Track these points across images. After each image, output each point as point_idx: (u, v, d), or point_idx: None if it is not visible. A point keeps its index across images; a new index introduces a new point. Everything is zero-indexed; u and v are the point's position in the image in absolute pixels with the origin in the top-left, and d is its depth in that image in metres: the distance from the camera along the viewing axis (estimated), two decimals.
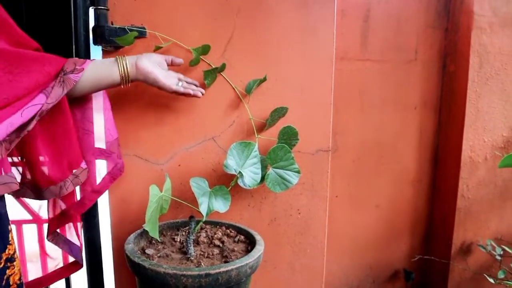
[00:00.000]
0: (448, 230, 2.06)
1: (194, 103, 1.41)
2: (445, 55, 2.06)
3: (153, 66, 1.16)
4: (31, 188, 1.14)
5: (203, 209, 1.11)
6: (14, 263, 0.93)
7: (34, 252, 1.51)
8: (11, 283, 0.92)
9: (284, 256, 1.57)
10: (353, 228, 2.11)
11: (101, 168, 1.29)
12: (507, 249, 1.87)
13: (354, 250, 2.14)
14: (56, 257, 1.47)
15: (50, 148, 1.10)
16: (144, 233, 1.28)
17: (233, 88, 1.43)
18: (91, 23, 1.33)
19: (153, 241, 1.27)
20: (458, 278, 2.08)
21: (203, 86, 1.39)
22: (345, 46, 1.92)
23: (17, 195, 1.17)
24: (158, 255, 1.18)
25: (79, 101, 1.19)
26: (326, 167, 1.54)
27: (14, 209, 1.34)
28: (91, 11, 1.32)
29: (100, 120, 1.25)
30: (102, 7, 1.30)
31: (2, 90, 0.89)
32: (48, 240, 1.28)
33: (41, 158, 1.10)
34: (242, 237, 1.30)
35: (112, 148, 1.28)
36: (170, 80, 1.20)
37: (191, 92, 1.24)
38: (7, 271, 0.91)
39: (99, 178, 1.29)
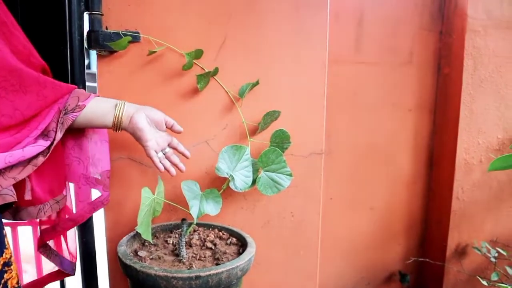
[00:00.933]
0: (443, 232, 2.07)
1: (187, 107, 1.43)
2: (440, 58, 2.07)
3: (146, 124, 1.13)
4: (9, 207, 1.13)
5: (193, 211, 1.12)
6: (12, 267, 0.94)
7: (30, 254, 1.52)
8: (9, 287, 0.93)
9: (277, 258, 1.58)
10: (348, 230, 2.12)
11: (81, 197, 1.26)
12: (501, 251, 1.88)
13: (349, 252, 2.14)
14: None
15: (35, 172, 1.06)
16: (137, 235, 1.29)
17: (226, 92, 1.44)
18: (86, 27, 1.35)
19: (146, 243, 1.28)
20: (453, 280, 2.08)
21: (196, 90, 1.41)
22: (339, 49, 1.93)
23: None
24: (151, 257, 1.19)
25: (74, 129, 1.17)
26: (320, 170, 1.55)
27: None
28: (86, 16, 1.34)
29: (93, 150, 1.23)
30: (97, 12, 1.32)
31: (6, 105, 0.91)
32: (40, 252, 1.28)
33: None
34: (234, 239, 1.31)
35: (100, 179, 1.24)
36: (153, 144, 1.16)
37: (162, 168, 1.19)
38: (5, 275, 0.91)
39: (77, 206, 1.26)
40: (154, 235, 1.34)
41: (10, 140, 0.93)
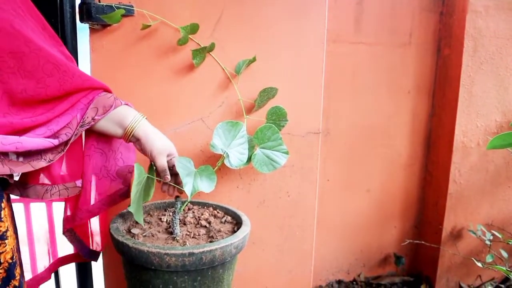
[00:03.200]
0: (439, 215, 2.07)
1: (183, 83, 1.40)
2: (440, 39, 2.04)
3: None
4: (18, 183, 1.12)
5: (187, 189, 1.09)
6: (6, 241, 0.92)
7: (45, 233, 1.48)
8: (2, 260, 0.91)
9: (273, 238, 1.57)
10: (344, 212, 2.11)
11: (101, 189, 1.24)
12: (497, 234, 1.87)
13: (345, 234, 2.14)
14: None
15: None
16: (131, 213, 1.27)
17: (222, 69, 1.41)
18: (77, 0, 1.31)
19: None
20: (448, 262, 2.08)
21: (192, 66, 1.38)
22: (338, 29, 1.90)
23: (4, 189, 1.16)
24: (144, 234, 1.17)
25: None
26: (316, 150, 1.53)
27: None
28: None
29: (119, 144, 1.21)
30: None
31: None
32: (65, 236, 1.28)
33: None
34: (229, 218, 1.30)
35: (120, 173, 1.23)
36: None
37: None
38: None
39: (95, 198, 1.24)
40: (147, 213, 1.32)
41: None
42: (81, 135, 1.13)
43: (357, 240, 2.16)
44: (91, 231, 1.34)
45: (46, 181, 1.11)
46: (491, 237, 1.89)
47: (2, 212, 0.92)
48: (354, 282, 2.19)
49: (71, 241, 1.29)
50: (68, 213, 1.24)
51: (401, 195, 2.18)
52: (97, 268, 1.54)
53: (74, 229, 1.29)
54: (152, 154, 1.09)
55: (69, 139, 1.00)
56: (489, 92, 1.94)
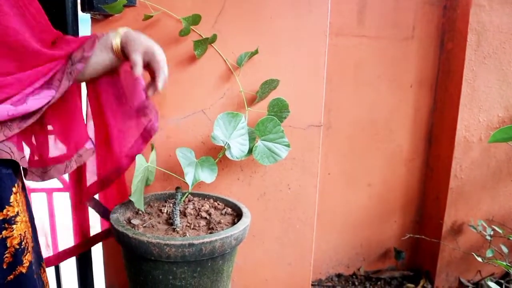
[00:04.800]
0: (440, 210, 2.06)
1: (184, 75, 1.39)
2: (443, 33, 2.03)
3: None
4: (37, 169, 1.12)
5: (188, 179, 1.09)
6: (14, 226, 0.92)
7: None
8: (8, 245, 0.91)
9: (273, 231, 1.57)
10: (345, 206, 2.11)
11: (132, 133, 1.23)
12: (497, 229, 1.87)
13: (345, 228, 2.14)
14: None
15: (59, 127, 1.09)
16: (131, 203, 1.27)
17: (224, 60, 1.40)
18: None
19: (140, 212, 1.26)
20: (448, 257, 2.08)
21: (193, 58, 1.37)
22: (341, 22, 1.89)
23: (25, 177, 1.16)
24: (144, 225, 1.17)
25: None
26: (318, 143, 1.52)
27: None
28: None
29: (126, 83, 1.18)
30: None
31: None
32: (90, 206, 1.29)
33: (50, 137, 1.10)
34: (230, 209, 1.30)
35: (140, 110, 1.20)
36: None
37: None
38: (3, 232, 0.89)
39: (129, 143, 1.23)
40: (148, 204, 1.32)
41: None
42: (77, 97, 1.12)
43: (358, 234, 2.16)
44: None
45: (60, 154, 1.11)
46: (492, 232, 1.89)
47: (12, 196, 0.93)
48: (354, 276, 2.19)
49: (98, 211, 1.30)
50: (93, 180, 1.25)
51: (402, 189, 2.17)
52: (97, 258, 1.55)
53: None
54: (129, 52, 1.05)
55: (61, 83, 0.98)
56: (492, 87, 1.93)
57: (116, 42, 1.04)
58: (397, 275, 2.19)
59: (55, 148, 1.11)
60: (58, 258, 1.36)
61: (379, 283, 2.14)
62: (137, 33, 1.06)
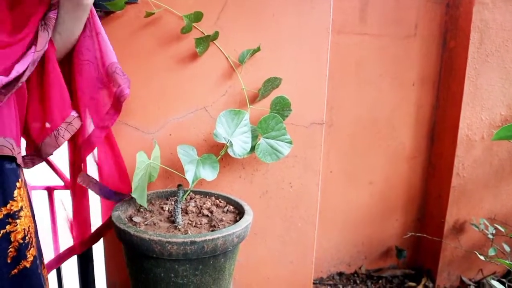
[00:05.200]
0: (442, 208, 2.06)
1: (186, 72, 1.39)
2: (446, 31, 2.02)
3: None
4: (34, 152, 1.13)
5: (189, 176, 1.09)
6: (17, 221, 0.93)
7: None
8: (12, 239, 0.92)
9: (275, 229, 1.57)
10: (346, 204, 2.10)
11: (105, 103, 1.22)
12: (500, 227, 1.87)
13: (346, 226, 2.14)
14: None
15: (40, 99, 1.09)
16: (132, 201, 1.26)
17: (226, 57, 1.40)
18: None
19: (141, 210, 1.26)
20: (449, 256, 2.08)
21: (195, 55, 1.37)
22: (343, 20, 1.88)
23: (27, 165, 1.16)
24: (145, 223, 1.17)
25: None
26: (320, 140, 1.52)
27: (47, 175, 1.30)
28: None
29: (96, 45, 1.16)
30: None
31: None
32: (79, 183, 1.26)
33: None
34: (231, 207, 1.29)
35: (109, 75, 1.17)
36: None
37: None
38: (7, 226, 0.90)
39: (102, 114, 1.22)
40: (149, 201, 1.32)
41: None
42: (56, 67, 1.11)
43: (359, 232, 2.16)
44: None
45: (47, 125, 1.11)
46: (494, 231, 1.89)
47: (16, 191, 0.93)
48: (355, 275, 2.19)
49: (88, 185, 1.26)
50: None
51: (403, 188, 2.17)
52: (98, 255, 1.54)
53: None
54: None
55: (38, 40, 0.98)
56: (495, 85, 1.92)
57: None
58: (398, 273, 2.19)
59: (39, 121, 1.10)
60: (59, 260, 1.35)
61: (380, 281, 2.13)
62: None
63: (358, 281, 2.13)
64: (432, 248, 2.13)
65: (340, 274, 2.18)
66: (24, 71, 0.95)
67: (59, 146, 1.12)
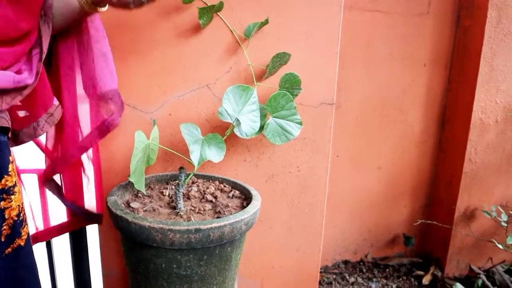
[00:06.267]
0: (452, 195, 1.98)
1: (188, 46, 1.28)
2: (460, 9, 1.92)
3: None
4: (12, 137, 1.05)
5: (194, 157, 0.99)
6: (12, 196, 0.87)
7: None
8: (6, 216, 0.86)
9: (281, 215, 1.48)
10: (353, 189, 2.02)
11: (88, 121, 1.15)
12: None
13: (353, 213, 2.06)
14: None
15: None
16: (130, 185, 1.17)
17: (231, 31, 1.29)
18: None
19: (139, 194, 1.16)
20: (459, 244, 2.00)
21: (198, 28, 1.26)
22: None
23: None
24: (144, 209, 1.08)
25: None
26: (330, 122, 1.42)
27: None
28: None
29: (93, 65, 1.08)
30: None
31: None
32: (45, 187, 1.21)
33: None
34: (237, 192, 1.20)
35: (103, 100, 1.08)
36: None
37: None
38: (2, 203, 0.85)
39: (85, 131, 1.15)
40: (148, 186, 1.22)
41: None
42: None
43: (366, 219, 2.08)
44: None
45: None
46: (506, 218, 1.80)
47: (10, 165, 0.88)
48: (361, 263, 2.11)
49: (53, 192, 1.20)
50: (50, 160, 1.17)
51: (412, 173, 2.09)
52: (93, 242, 1.45)
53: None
54: None
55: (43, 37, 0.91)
56: (511, 66, 1.83)
57: None
58: (405, 262, 2.12)
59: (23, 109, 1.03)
60: (50, 233, 1.27)
61: (387, 270, 2.06)
62: None
63: (364, 270, 2.05)
64: (441, 235, 2.05)
65: (346, 262, 2.11)
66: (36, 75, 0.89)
67: (36, 137, 1.05)
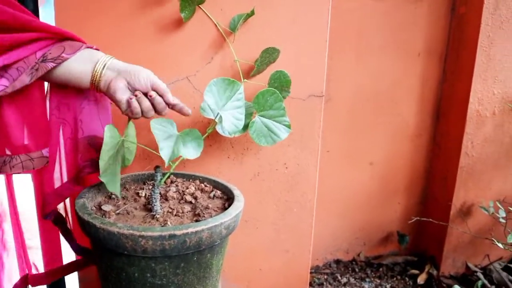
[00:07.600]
0: (448, 191, 1.90)
1: (169, 42, 1.20)
2: None
3: (125, 92, 0.93)
4: None
5: (164, 154, 0.89)
6: None
7: None
8: None
9: (268, 215, 1.40)
10: (344, 186, 1.95)
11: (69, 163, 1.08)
12: None
13: (344, 211, 1.99)
14: None
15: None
16: (103, 186, 1.07)
17: (215, 25, 1.20)
18: None
19: (113, 196, 1.07)
20: (455, 241, 1.93)
21: (179, 22, 1.17)
22: None
23: None
24: (117, 212, 0.99)
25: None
26: (319, 116, 1.34)
27: None
28: None
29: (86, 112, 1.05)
30: None
31: None
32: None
33: None
34: (219, 192, 1.11)
35: (87, 149, 1.06)
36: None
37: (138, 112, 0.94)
38: None
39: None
40: (123, 186, 1.13)
41: None
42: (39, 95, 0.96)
43: (358, 217, 2.01)
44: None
45: (7, 151, 0.95)
46: (505, 215, 1.73)
47: None
48: (354, 262, 2.04)
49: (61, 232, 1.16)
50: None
51: (406, 168, 2.01)
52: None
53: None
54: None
55: (20, 76, 0.83)
56: (509, 55, 1.75)
57: (103, 61, 0.92)
58: (400, 260, 2.04)
59: None
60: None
61: (381, 269, 1.99)
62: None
63: (357, 269, 1.98)
64: (436, 233, 1.98)
65: (338, 261, 2.03)
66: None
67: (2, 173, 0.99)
